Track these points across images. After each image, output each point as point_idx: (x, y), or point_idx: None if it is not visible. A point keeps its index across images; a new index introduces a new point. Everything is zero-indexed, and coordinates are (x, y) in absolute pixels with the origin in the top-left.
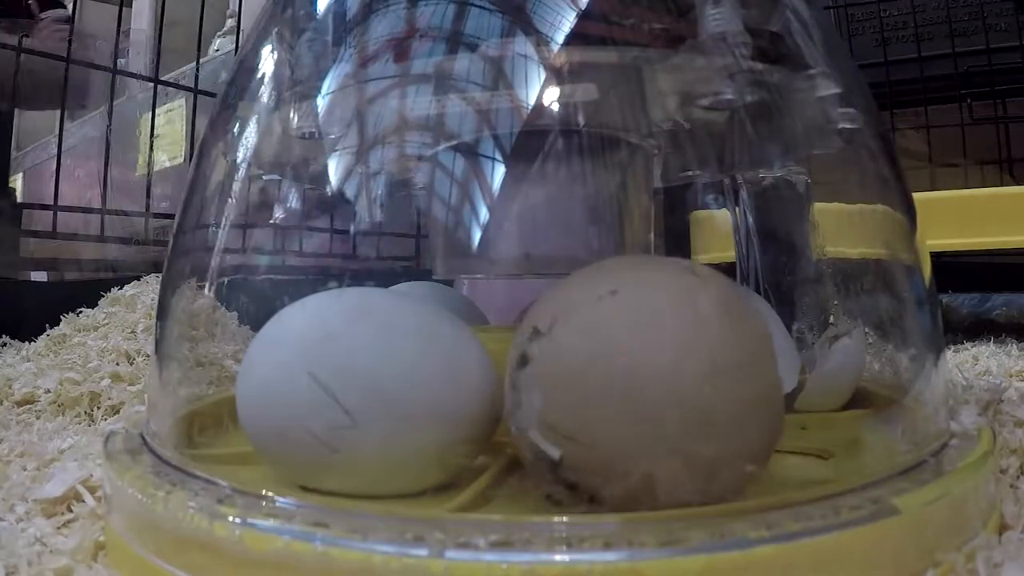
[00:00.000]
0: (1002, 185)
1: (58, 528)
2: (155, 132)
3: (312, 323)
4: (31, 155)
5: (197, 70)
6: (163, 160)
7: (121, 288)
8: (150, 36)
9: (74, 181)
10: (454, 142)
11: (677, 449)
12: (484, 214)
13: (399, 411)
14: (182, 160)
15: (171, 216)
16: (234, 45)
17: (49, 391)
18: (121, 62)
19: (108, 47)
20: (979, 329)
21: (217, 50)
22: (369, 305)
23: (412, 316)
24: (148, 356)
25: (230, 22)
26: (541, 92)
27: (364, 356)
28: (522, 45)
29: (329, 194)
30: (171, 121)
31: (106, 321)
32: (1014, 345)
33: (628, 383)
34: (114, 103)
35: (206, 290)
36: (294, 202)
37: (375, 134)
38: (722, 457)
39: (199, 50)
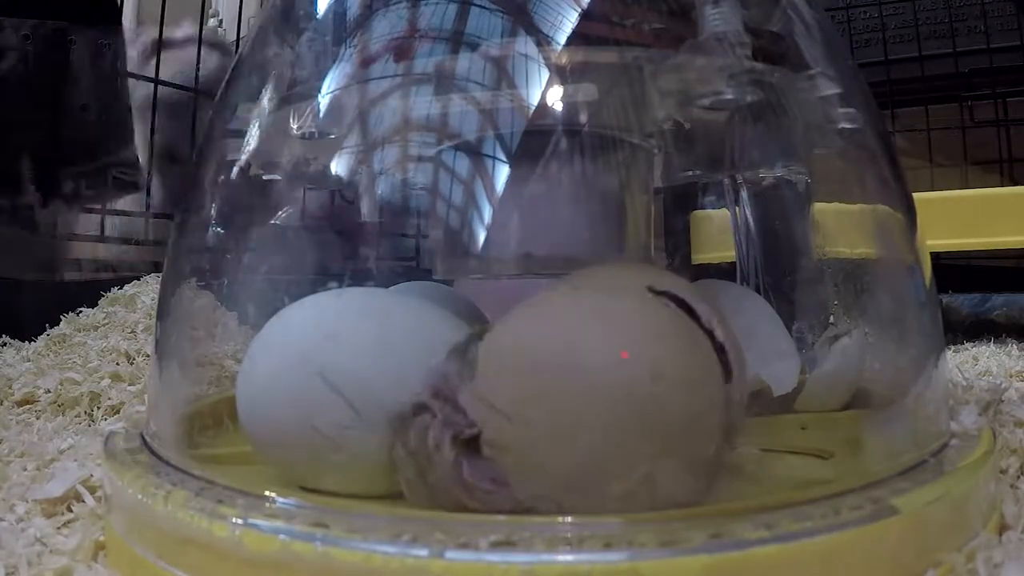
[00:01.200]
0: (1002, 186)
1: (58, 528)
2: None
3: (312, 323)
4: None
5: (197, 70)
6: None
7: (121, 288)
8: (133, 31)
9: None
10: (454, 142)
11: (601, 449)
12: (484, 214)
13: (397, 411)
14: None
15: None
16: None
17: (49, 391)
18: None
19: None
20: (979, 329)
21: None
22: (369, 305)
23: (412, 316)
24: (148, 356)
25: (212, 22)
26: (541, 92)
27: (363, 356)
28: (522, 45)
29: (329, 194)
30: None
31: (106, 321)
32: (1014, 345)
33: (567, 370)
34: None
35: (206, 290)
36: (294, 202)
37: (375, 134)
38: (645, 464)
39: (199, 49)
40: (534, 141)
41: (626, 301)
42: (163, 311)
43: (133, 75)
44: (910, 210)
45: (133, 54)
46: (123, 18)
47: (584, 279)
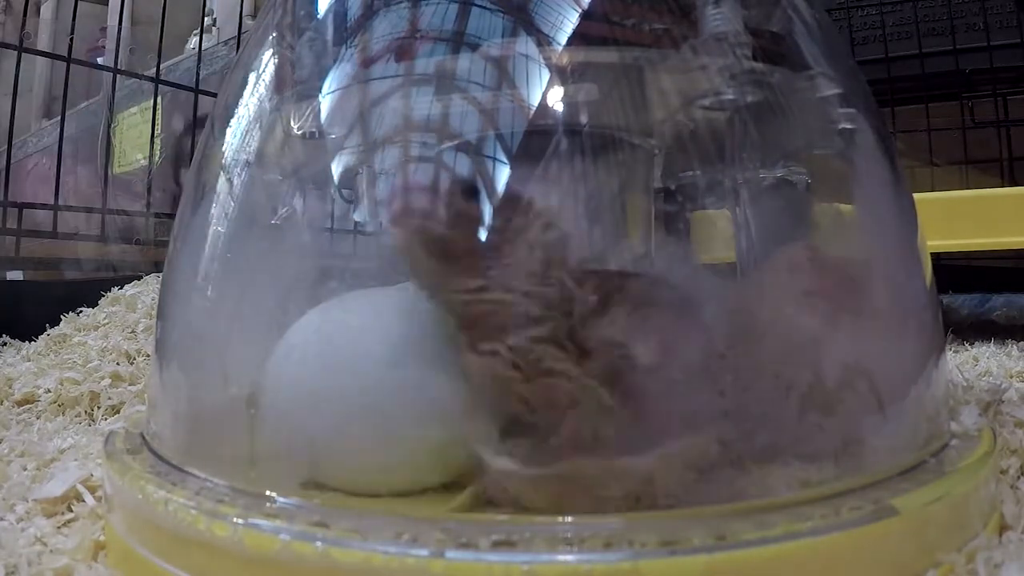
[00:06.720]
0: (1002, 186)
1: (58, 528)
2: (130, 129)
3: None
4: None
5: (198, 70)
6: (138, 158)
7: (121, 288)
8: (126, 32)
9: (52, 179)
10: (455, 142)
11: None
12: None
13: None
14: (159, 158)
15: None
16: (211, 43)
17: (49, 391)
18: (100, 59)
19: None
20: (979, 329)
21: (193, 48)
22: (377, 311)
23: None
24: (148, 356)
25: (206, 20)
26: (542, 92)
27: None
28: (523, 45)
29: (329, 194)
30: (148, 120)
31: (106, 321)
32: (1014, 346)
33: None
34: (88, 103)
35: (206, 290)
36: (295, 202)
37: (375, 134)
38: None
39: (200, 48)
40: (535, 141)
41: None
42: (163, 311)
43: (134, 75)
44: (910, 210)
45: None
46: (115, 19)
47: None
